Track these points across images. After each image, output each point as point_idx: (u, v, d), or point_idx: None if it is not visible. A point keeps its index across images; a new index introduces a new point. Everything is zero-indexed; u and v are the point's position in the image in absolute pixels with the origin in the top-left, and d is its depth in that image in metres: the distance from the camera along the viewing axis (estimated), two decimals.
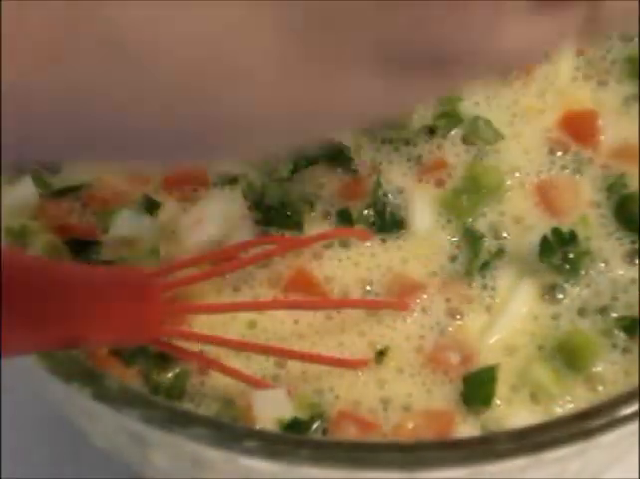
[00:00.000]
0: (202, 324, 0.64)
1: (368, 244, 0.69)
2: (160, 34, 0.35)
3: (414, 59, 0.38)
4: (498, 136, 0.72)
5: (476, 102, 0.74)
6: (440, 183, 0.71)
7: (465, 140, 0.72)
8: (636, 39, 0.75)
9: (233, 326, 0.65)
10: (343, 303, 0.66)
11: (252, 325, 0.65)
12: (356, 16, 0.36)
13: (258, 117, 0.38)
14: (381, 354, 0.64)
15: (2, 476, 0.74)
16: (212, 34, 0.35)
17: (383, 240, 0.69)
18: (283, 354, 0.63)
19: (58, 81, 0.35)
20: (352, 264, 0.68)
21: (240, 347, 0.63)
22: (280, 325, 0.65)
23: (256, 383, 0.62)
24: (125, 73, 0.35)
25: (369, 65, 0.38)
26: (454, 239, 0.69)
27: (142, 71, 0.35)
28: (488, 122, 0.72)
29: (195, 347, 0.63)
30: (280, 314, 0.65)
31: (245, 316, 0.65)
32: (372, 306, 0.66)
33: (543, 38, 0.40)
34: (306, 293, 0.66)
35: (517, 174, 0.71)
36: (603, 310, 0.65)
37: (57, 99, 0.36)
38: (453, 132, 0.72)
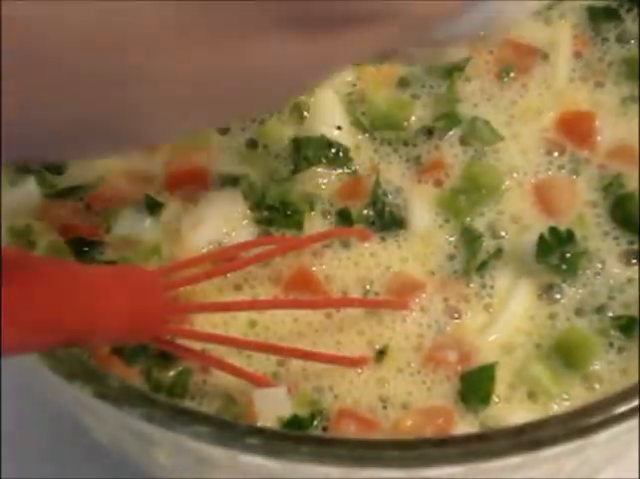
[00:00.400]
0: (203, 323, 0.65)
1: (367, 244, 0.69)
2: (57, 28, 0.34)
3: (316, 17, 0.38)
4: (497, 137, 0.72)
5: (474, 103, 0.74)
6: (438, 183, 0.71)
7: (463, 141, 0.73)
8: (632, 41, 0.76)
9: (234, 325, 0.65)
10: (343, 302, 0.67)
11: (253, 324, 0.66)
12: None
13: (173, 91, 0.38)
14: (381, 353, 0.65)
15: (2, 476, 0.74)
16: (103, 12, 0.35)
17: (382, 239, 0.69)
18: (285, 352, 0.63)
19: None
20: (352, 263, 0.68)
21: (242, 345, 0.64)
22: (280, 324, 0.66)
23: (259, 381, 0.63)
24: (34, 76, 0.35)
25: (275, 29, 0.38)
26: (452, 238, 0.69)
27: (49, 69, 0.35)
28: (487, 123, 0.73)
29: (197, 346, 0.63)
30: (280, 313, 0.65)
31: (245, 315, 0.66)
32: (372, 305, 0.67)
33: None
34: (306, 292, 0.67)
35: (515, 174, 0.71)
36: (600, 310, 0.66)
37: None
38: (451, 133, 0.73)
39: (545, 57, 0.76)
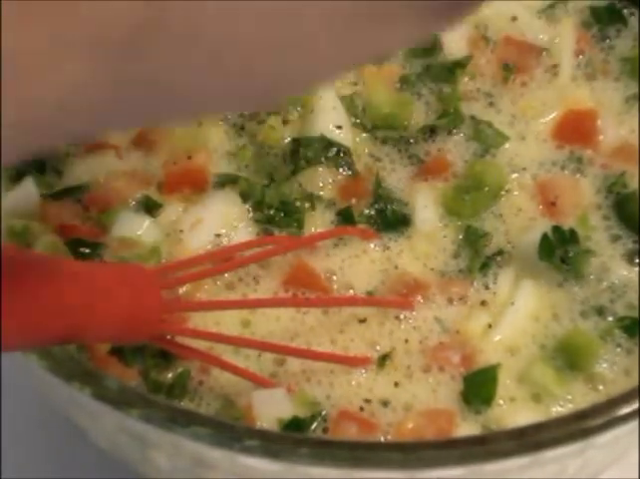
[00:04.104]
0: (196, 322, 0.64)
1: (371, 244, 0.69)
2: (236, 23, 0.38)
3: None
4: (504, 138, 0.72)
5: (476, 102, 0.74)
6: (441, 182, 0.71)
7: (466, 140, 0.72)
8: (635, 40, 0.75)
9: (226, 324, 0.65)
10: (347, 301, 0.66)
11: (246, 323, 0.65)
12: None
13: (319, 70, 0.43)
14: (384, 358, 0.64)
15: (2, 476, 0.74)
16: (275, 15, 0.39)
17: (385, 238, 0.69)
18: (285, 351, 0.63)
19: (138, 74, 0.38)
20: (354, 262, 0.68)
21: (244, 344, 0.63)
22: (275, 322, 0.65)
23: (260, 381, 0.62)
24: (201, 60, 0.39)
25: (415, 11, 0.41)
26: (455, 237, 0.69)
27: (217, 58, 0.39)
28: (490, 125, 0.72)
29: (196, 345, 0.63)
30: (276, 311, 0.65)
31: (237, 314, 0.65)
32: (376, 304, 0.66)
33: None
34: (307, 289, 0.66)
35: (518, 173, 0.71)
36: (603, 310, 0.66)
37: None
38: (454, 131, 0.73)
39: (548, 55, 0.75)
